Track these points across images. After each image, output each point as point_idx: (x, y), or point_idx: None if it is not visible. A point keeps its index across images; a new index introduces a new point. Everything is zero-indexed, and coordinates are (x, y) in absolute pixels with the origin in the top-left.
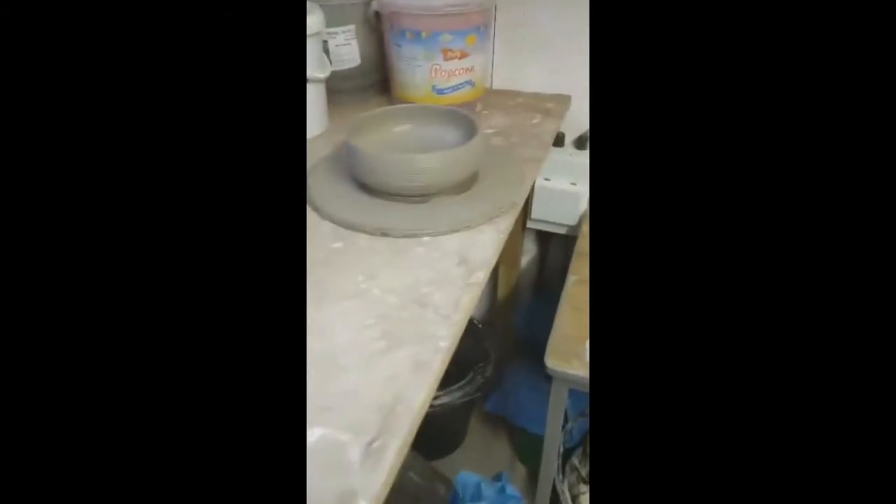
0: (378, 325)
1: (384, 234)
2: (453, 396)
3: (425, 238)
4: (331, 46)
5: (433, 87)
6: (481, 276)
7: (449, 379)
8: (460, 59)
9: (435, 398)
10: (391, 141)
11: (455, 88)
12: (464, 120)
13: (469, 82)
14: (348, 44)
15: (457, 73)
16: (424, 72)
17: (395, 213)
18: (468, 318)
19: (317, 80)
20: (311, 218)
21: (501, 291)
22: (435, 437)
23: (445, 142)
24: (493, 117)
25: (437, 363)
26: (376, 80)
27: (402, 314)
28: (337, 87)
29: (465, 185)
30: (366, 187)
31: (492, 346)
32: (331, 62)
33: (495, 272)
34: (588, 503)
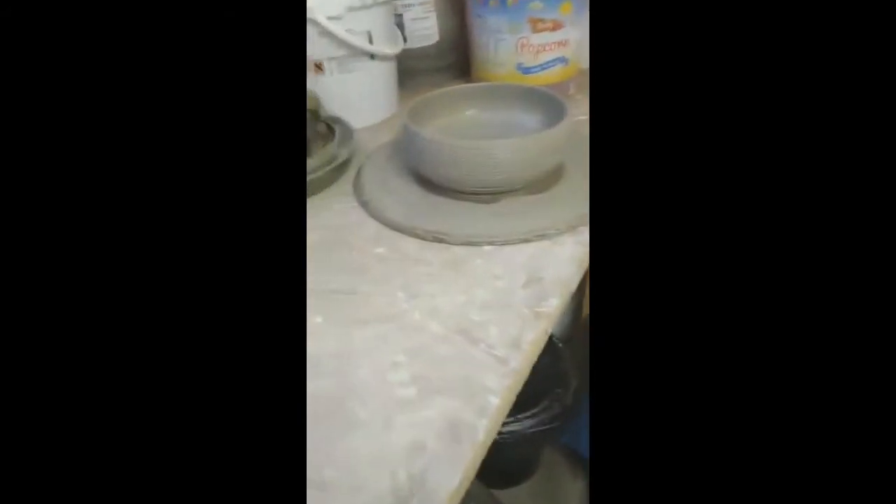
0: (410, 364)
1: (437, 240)
2: (523, 426)
3: (487, 247)
4: (405, 20)
5: (518, 65)
6: (554, 306)
7: (519, 404)
8: (552, 30)
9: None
10: (460, 126)
11: (544, 67)
12: (550, 102)
13: (561, 59)
14: (426, 17)
15: (547, 48)
16: (509, 46)
17: (455, 215)
18: (531, 364)
19: (385, 57)
20: (356, 215)
21: (585, 309)
22: (499, 465)
23: (525, 129)
24: (588, 103)
25: (483, 430)
26: (456, 60)
27: (443, 350)
28: (412, 66)
29: (545, 183)
30: (424, 181)
31: (573, 368)
32: (405, 38)
33: (582, 282)
34: None
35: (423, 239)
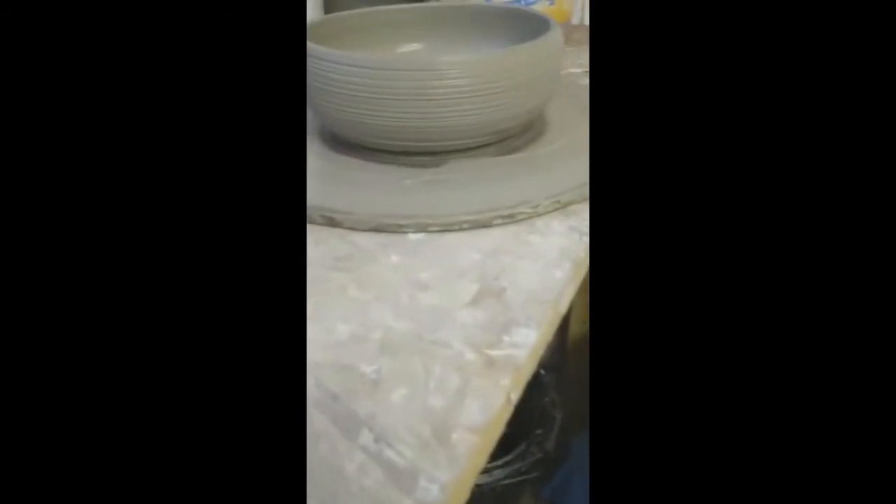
0: None
1: (329, 223)
2: (493, 477)
3: (413, 236)
4: None
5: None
6: (525, 344)
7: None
8: None
9: None
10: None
11: (523, 2)
12: (529, 24)
13: None
14: None
15: None
16: None
17: (368, 185)
18: (468, 491)
19: None
20: None
21: (576, 327)
22: None
23: None
24: (582, 55)
25: None
26: None
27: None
28: None
29: (516, 141)
30: (331, 134)
31: (557, 403)
32: None
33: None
34: None
35: (309, 221)
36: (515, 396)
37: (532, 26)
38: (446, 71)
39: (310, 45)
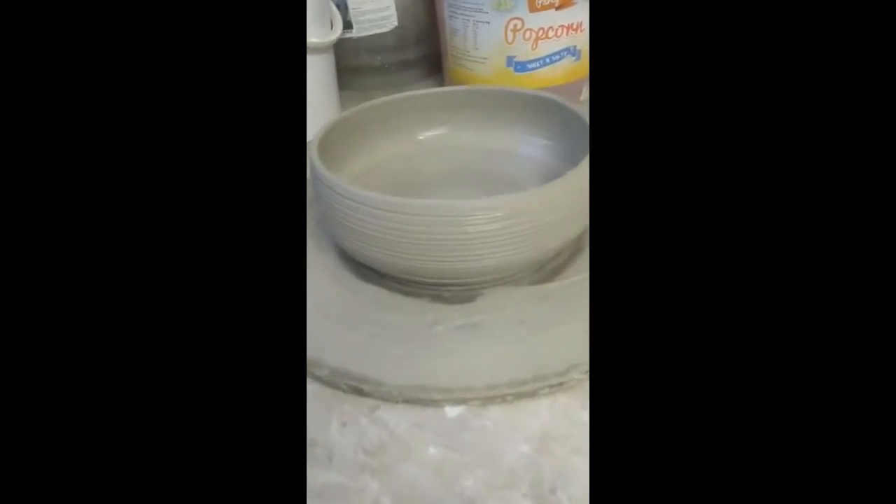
0: None
1: (354, 391)
2: None
3: (457, 410)
4: (350, 1)
5: (510, 58)
6: None
7: None
8: (558, 9)
9: None
10: (411, 161)
11: (546, 61)
12: (559, 115)
13: (571, 51)
14: None
15: (551, 33)
16: (495, 32)
17: (401, 336)
18: None
19: (315, 49)
20: None
21: None
22: None
23: (521, 163)
24: None
25: None
26: (426, 54)
27: None
28: (362, 64)
29: (560, 261)
30: (352, 258)
31: None
32: (349, 23)
33: None
34: None
35: (331, 385)
36: None
37: (561, 117)
38: (480, 214)
39: (330, 176)
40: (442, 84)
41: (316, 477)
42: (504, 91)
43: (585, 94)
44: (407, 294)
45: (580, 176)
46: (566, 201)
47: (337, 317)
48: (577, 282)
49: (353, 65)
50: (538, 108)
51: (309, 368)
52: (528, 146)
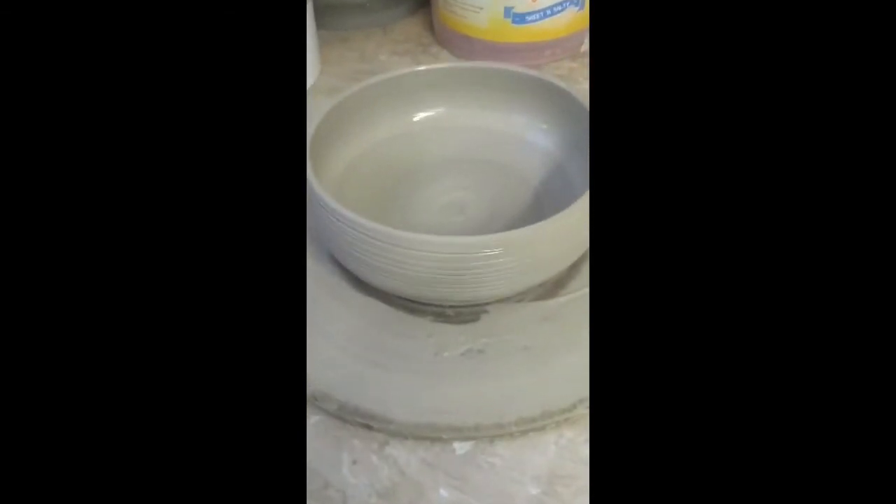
0: None
1: (364, 426)
2: None
3: (466, 446)
4: None
5: (508, 9)
6: None
7: None
8: None
9: None
10: (403, 148)
11: (547, 13)
12: (559, 97)
13: (574, 1)
14: None
15: None
16: None
17: (408, 365)
18: None
19: None
20: None
21: None
22: None
23: (526, 152)
24: None
25: None
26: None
27: None
28: (341, 1)
29: (558, 277)
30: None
31: None
32: None
33: None
34: None
35: (340, 418)
36: None
37: (562, 102)
38: (489, 250)
39: (338, 206)
40: (430, 26)
41: None
42: (505, 70)
43: (586, 46)
44: (410, 311)
45: (583, 208)
46: (570, 232)
47: (339, 342)
48: (580, 298)
49: (331, 2)
50: (539, 91)
51: (317, 403)
52: (527, 130)
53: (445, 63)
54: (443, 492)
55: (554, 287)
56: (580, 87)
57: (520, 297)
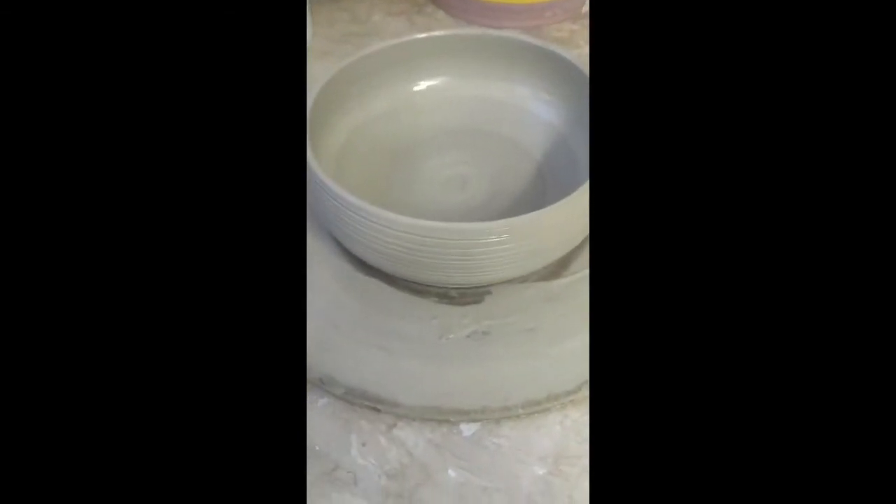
0: None
1: (371, 407)
2: None
3: (473, 428)
4: None
5: None
6: None
7: None
8: None
9: None
10: (406, 118)
11: None
12: (563, 67)
13: None
14: None
15: None
16: None
17: (412, 349)
18: None
19: None
20: None
21: None
22: None
23: (520, 126)
24: None
25: None
26: None
27: None
28: None
29: (567, 257)
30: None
31: None
32: None
33: None
34: None
35: (335, 395)
36: None
37: (565, 72)
38: (494, 236)
39: (340, 191)
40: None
41: (346, 502)
42: (508, 38)
43: (587, 7)
44: (413, 292)
45: (588, 191)
46: (575, 217)
47: (343, 325)
48: (583, 279)
49: None
50: (542, 60)
51: (323, 386)
52: (530, 101)
53: (446, 30)
54: (450, 472)
55: (557, 268)
56: (581, 52)
57: (523, 278)
